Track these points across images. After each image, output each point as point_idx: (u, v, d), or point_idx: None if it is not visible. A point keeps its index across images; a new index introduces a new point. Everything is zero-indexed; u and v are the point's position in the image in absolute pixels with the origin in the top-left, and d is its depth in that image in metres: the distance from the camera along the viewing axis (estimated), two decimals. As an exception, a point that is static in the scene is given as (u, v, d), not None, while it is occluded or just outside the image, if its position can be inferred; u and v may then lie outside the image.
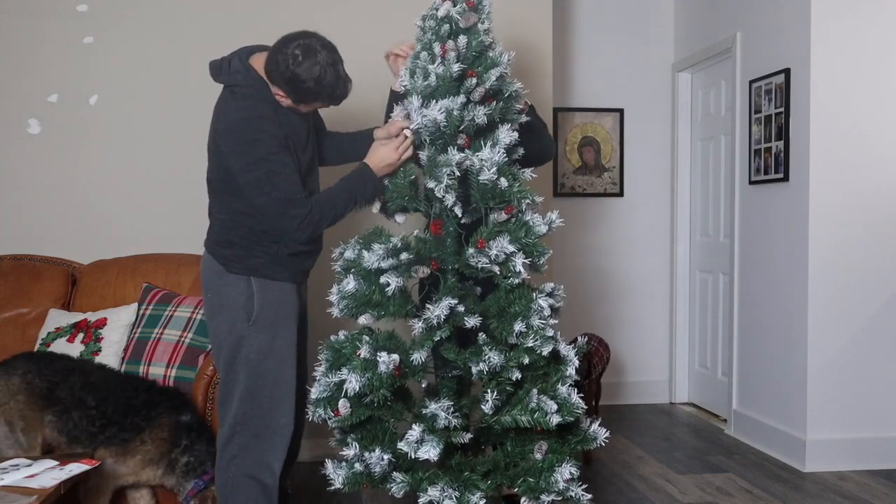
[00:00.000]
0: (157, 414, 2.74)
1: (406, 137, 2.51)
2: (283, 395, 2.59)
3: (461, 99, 2.41)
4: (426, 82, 2.44)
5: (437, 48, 2.46)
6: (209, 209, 2.73)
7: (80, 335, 3.24)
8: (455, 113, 2.40)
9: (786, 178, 4.13)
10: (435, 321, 2.35)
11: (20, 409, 2.67)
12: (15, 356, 2.83)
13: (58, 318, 3.34)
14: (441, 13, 2.49)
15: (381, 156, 2.53)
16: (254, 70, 2.53)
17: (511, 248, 2.36)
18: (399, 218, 2.60)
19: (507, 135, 2.45)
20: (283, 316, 2.58)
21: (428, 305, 2.38)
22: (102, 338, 3.22)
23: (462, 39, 2.45)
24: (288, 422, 2.60)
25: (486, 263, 2.38)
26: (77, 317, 3.34)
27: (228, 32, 3.83)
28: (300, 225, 2.46)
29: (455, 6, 2.49)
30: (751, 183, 4.47)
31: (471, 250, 2.39)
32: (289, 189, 2.44)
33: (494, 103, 2.49)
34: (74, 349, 3.18)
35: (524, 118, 2.63)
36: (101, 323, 3.27)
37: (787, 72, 4.11)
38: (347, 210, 2.53)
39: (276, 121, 2.48)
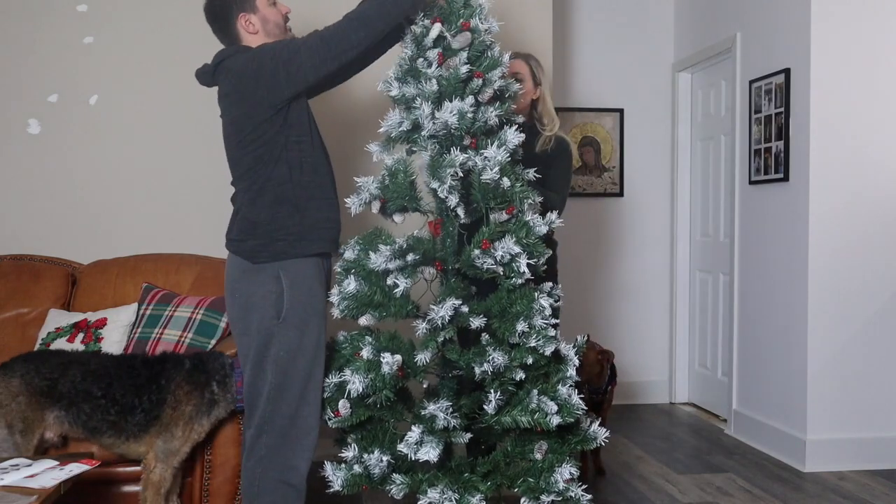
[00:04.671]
0: (167, 379, 2.75)
1: None
2: (312, 394, 2.54)
3: (470, 100, 2.41)
4: (431, 87, 2.43)
5: (432, 54, 2.45)
6: (234, 207, 2.68)
7: (80, 335, 3.24)
8: (468, 115, 2.39)
9: (786, 178, 4.12)
10: (439, 322, 2.34)
11: (21, 410, 2.68)
12: (12, 359, 2.83)
13: (58, 318, 3.34)
14: (433, 34, 2.46)
15: None
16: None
17: (516, 250, 2.36)
18: (397, 218, 2.60)
19: (514, 136, 2.44)
20: (312, 314, 2.53)
21: (432, 306, 2.38)
22: (102, 338, 3.22)
23: (463, 54, 2.44)
24: (315, 422, 2.55)
25: (492, 264, 2.38)
26: (77, 317, 3.34)
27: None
28: (340, 27, 2.45)
29: (450, 30, 2.47)
30: (751, 183, 4.46)
31: (476, 251, 2.38)
32: (308, 37, 2.50)
33: (499, 103, 2.49)
34: (75, 349, 3.17)
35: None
36: (101, 323, 3.27)
37: (787, 72, 4.11)
38: (387, 6, 2.48)
39: None
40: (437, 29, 2.45)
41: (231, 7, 2.62)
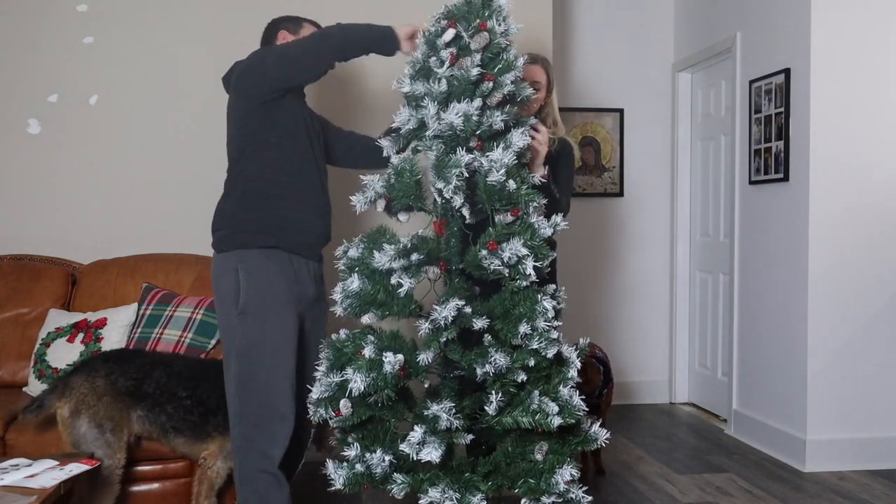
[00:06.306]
0: None
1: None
2: (280, 383, 2.59)
3: (478, 102, 2.40)
4: (440, 87, 2.42)
5: (444, 54, 2.44)
6: None
7: (80, 335, 3.23)
8: (474, 118, 2.39)
9: (786, 178, 4.13)
10: (442, 322, 2.34)
11: (107, 409, 2.73)
12: (93, 358, 2.87)
13: (58, 318, 3.34)
14: (447, 37, 2.46)
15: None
16: None
17: (524, 251, 2.36)
18: (402, 217, 2.60)
19: (520, 138, 2.44)
20: (273, 303, 2.59)
21: (435, 306, 2.38)
22: (102, 338, 3.22)
23: (477, 56, 2.43)
24: (288, 410, 2.60)
25: (499, 265, 2.38)
26: (77, 317, 3.34)
27: (229, 32, 3.83)
28: (298, 46, 2.55)
29: (466, 30, 2.46)
30: (751, 183, 4.47)
31: (483, 252, 2.38)
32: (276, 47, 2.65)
33: (509, 107, 2.48)
34: (74, 349, 3.17)
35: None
36: (101, 323, 3.27)
37: (787, 72, 4.11)
38: (333, 39, 2.56)
39: None
40: (451, 33, 2.45)
41: (279, 25, 2.79)
